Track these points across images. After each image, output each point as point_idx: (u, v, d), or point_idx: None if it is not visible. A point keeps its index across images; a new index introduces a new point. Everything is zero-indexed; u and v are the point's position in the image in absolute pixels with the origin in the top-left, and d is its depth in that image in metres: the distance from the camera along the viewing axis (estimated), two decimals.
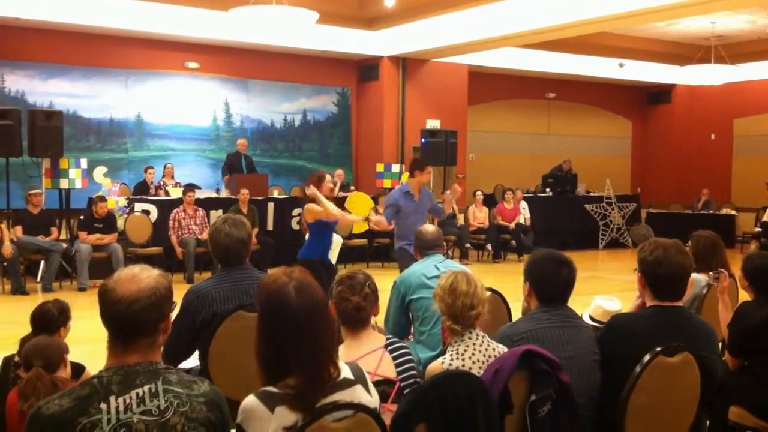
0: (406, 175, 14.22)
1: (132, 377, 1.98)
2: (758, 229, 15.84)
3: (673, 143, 19.25)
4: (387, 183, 14.35)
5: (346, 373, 2.28)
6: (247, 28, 12.23)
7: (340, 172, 14.35)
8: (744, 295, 4.12)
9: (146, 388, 1.97)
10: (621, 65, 17.26)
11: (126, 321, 2.00)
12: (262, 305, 2.25)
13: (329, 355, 2.21)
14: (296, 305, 2.17)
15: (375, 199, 13.35)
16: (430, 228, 4.58)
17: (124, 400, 1.94)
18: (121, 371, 1.98)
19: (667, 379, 2.96)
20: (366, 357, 2.82)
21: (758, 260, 4.02)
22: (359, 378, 2.31)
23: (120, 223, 10.86)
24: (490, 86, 17.10)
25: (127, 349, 2.02)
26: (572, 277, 3.21)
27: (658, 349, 2.92)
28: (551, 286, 3.18)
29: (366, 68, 15.52)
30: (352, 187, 14.39)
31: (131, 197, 11.87)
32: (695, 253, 4.76)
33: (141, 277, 2.06)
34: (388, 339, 3.03)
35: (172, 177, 12.89)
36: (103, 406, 1.92)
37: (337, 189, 13.86)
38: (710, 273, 4.50)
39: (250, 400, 2.15)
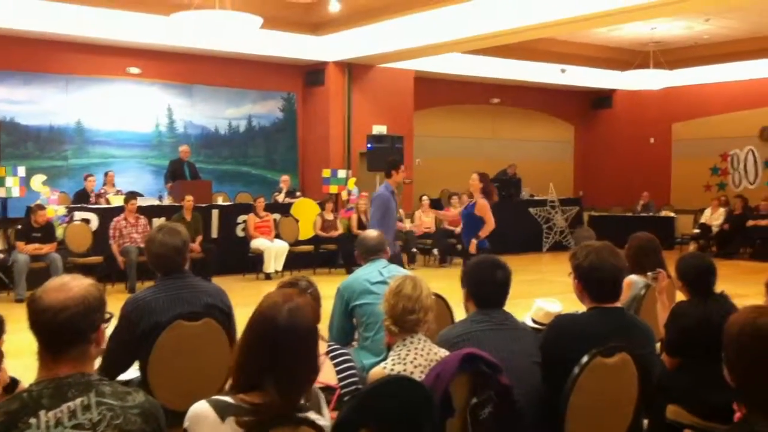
0: (352, 181, 14.26)
1: (63, 390, 1.93)
2: (696, 231, 16.28)
3: (614, 147, 19.63)
4: (333, 189, 14.33)
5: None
6: (189, 33, 12.09)
7: (285, 178, 14.28)
8: (682, 296, 4.20)
9: (78, 401, 1.92)
10: (563, 71, 17.56)
11: (54, 330, 1.96)
12: (253, 317, 2.22)
13: (304, 386, 2.19)
14: (282, 327, 2.15)
15: (321, 205, 13.32)
16: (372, 233, 4.58)
17: (55, 414, 1.89)
18: (52, 384, 1.93)
19: (606, 379, 3.01)
20: None
21: (692, 260, 4.11)
22: (313, 402, 2.28)
23: (59, 232, 10.63)
24: (436, 92, 17.22)
25: (57, 360, 1.97)
26: (507, 280, 3.27)
27: (596, 350, 2.96)
28: (487, 289, 3.23)
29: (312, 73, 15.48)
30: (298, 193, 14.31)
31: (71, 206, 11.61)
32: (633, 255, 4.86)
33: (70, 285, 2.01)
34: (329, 346, 3.03)
35: (114, 185, 12.64)
36: (33, 420, 1.86)
37: (282, 195, 13.81)
38: (648, 273, 4.59)
39: (202, 406, 2.11)
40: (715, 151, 18.13)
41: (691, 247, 15.47)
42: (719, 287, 4.03)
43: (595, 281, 3.23)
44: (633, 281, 4.80)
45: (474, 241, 7.47)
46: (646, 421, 3.67)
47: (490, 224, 7.60)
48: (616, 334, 3.12)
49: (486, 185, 7.74)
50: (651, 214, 17.17)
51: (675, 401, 3.83)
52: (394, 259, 6.85)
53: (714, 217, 16.01)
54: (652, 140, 19.37)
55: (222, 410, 2.08)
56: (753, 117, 17.35)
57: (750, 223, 15.49)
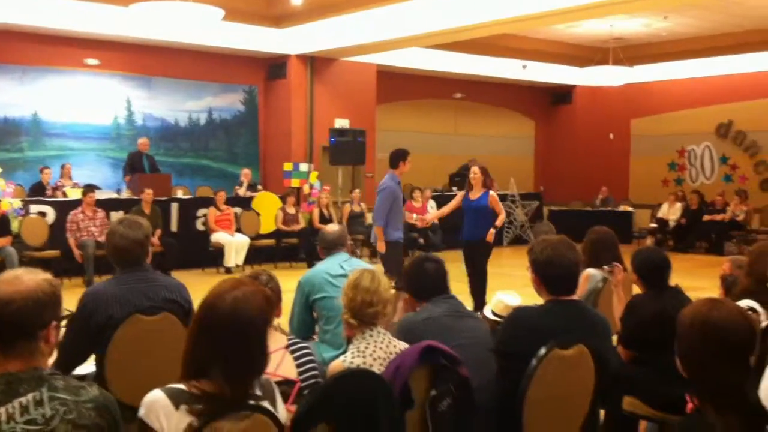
0: (314, 174, 14.21)
1: (15, 386, 1.89)
2: (654, 225, 16.55)
3: (574, 143, 19.84)
4: (295, 182, 14.26)
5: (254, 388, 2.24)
6: (149, 24, 11.94)
7: (247, 171, 14.18)
8: (638, 290, 4.26)
9: (30, 396, 1.89)
10: (524, 67, 17.69)
11: (2, 322, 1.93)
12: (201, 306, 2.22)
13: (255, 372, 2.19)
14: (224, 315, 2.15)
15: (283, 199, 13.26)
16: (333, 227, 4.60)
17: (7, 410, 1.86)
18: (3, 380, 1.90)
19: (563, 371, 3.04)
20: None
21: (647, 254, 4.17)
22: (267, 394, 2.27)
23: (15, 225, 10.43)
24: (399, 86, 17.23)
25: (7, 355, 1.94)
26: (441, 270, 3.45)
27: (553, 342, 3.00)
28: (424, 282, 3.40)
29: (274, 67, 15.38)
30: (260, 187, 14.23)
31: (26, 198, 11.40)
32: (591, 249, 4.93)
33: (22, 279, 1.98)
34: (290, 339, 3.02)
35: (71, 177, 12.43)
36: None
37: (244, 189, 13.72)
38: (605, 267, 4.65)
39: (156, 394, 2.11)
40: (672, 147, 18.43)
41: (649, 241, 15.71)
42: (676, 281, 4.10)
43: (551, 275, 3.27)
44: (590, 274, 4.86)
45: (492, 231, 7.77)
46: (603, 412, 3.73)
47: (503, 213, 8.03)
48: (573, 326, 3.17)
49: (486, 177, 7.96)
50: (610, 208, 17.40)
51: (631, 393, 3.89)
52: (401, 247, 7.15)
53: (671, 212, 16.28)
54: (611, 136, 19.61)
55: (176, 398, 2.09)
56: (710, 114, 17.67)
57: (706, 217, 15.78)
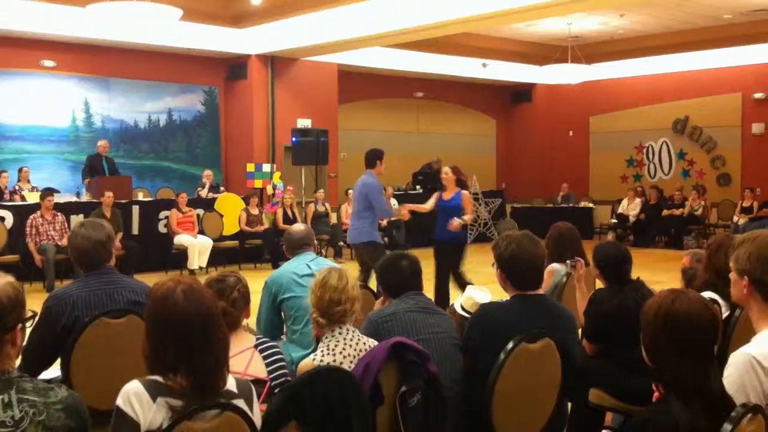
0: (277, 175, 14.15)
1: None
2: (614, 221, 16.79)
3: (534, 140, 20.04)
4: (258, 183, 14.19)
5: (230, 385, 2.26)
6: (106, 24, 11.77)
7: (208, 172, 14.07)
8: (600, 284, 4.33)
9: None
10: (484, 65, 17.81)
11: None
12: (150, 309, 2.23)
13: (220, 361, 2.20)
14: (183, 307, 2.17)
15: (246, 200, 13.18)
16: (299, 227, 4.58)
17: None
18: None
19: (530, 365, 3.09)
20: (235, 357, 2.78)
21: (607, 249, 4.24)
22: (244, 393, 2.28)
23: None
24: (360, 85, 17.23)
25: None
26: (415, 268, 3.49)
27: (520, 336, 3.04)
28: (397, 278, 3.45)
29: (234, 67, 15.28)
30: (222, 188, 14.14)
31: None
32: (553, 244, 4.99)
33: None
34: (258, 339, 3.01)
35: (29, 181, 12.21)
36: None
37: (206, 190, 13.61)
38: (568, 262, 4.72)
39: (134, 385, 2.13)
40: (631, 144, 18.69)
41: (609, 236, 15.94)
42: (637, 275, 4.17)
43: (516, 270, 3.31)
44: (554, 269, 4.93)
45: (457, 221, 7.52)
46: (570, 405, 3.78)
47: (472, 214, 8.14)
48: (538, 320, 3.21)
49: (459, 176, 7.94)
50: (570, 205, 17.60)
51: (597, 385, 3.95)
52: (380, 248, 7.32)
53: (630, 208, 16.53)
54: (570, 133, 19.83)
55: (153, 390, 2.11)
56: (667, 110, 17.96)
57: (665, 212, 16.06)
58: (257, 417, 2.31)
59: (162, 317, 2.18)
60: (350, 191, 14.59)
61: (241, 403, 2.23)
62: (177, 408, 2.09)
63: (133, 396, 2.11)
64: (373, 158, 7.61)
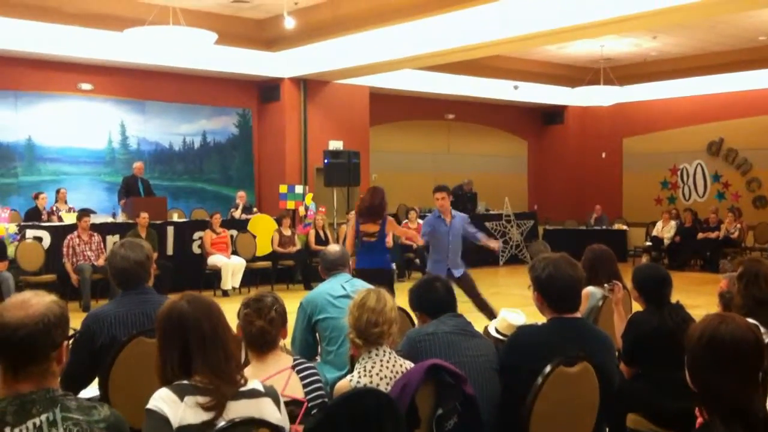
0: (310, 196, 14.23)
1: (28, 407, 1.91)
2: (648, 243, 16.60)
3: (566, 162, 19.94)
4: (290, 204, 14.27)
5: (255, 384, 2.37)
6: (142, 48, 11.98)
7: (242, 193, 14.20)
8: (638, 307, 4.28)
9: (44, 417, 1.90)
10: (515, 87, 17.81)
11: (12, 347, 1.95)
12: (159, 322, 2.37)
13: (231, 355, 2.34)
14: (189, 310, 2.32)
15: (278, 221, 13.26)
16: (334, 248, 4.60)
17: (20, 431, 1.87)
18: (16, 401, 1.91)
19: (568, 388, 3.06)
20: (272, 378, 2.80)
21: (647, 271, 4.20)
22: (271, 393, 2.38)
23: (10, 250, 10.40)
24: (391, 107, 17.31)
25: (18, 377, 1.96)
26: (449, 287, 3.52)
27: (558, 359, 3.01)
28: (433, 300, 3.46)
29: (267, 89, 15.45)
30: (255, 209, 14.24)
31: (22, 223, 11.37)
32: (589, 267, 4.94)
33: (31, 303, 2.01)
34: (295, 360, 3.02)
35: (66, 202, 12.42)
36: None
37: (239, 211, 13.72)
38: (605, 285, 4.67)
39: (161, 389, 2.24)
40: (664, 165, 18.54)
41: (644, 259, 15.76)
42: (673, 298, 4.12)
43: (554, 292, 3.28)
44: (590, 292, 4.88)
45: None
46: (607, 430, 3.73)
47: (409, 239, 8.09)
48: (576, 343, 3.18)
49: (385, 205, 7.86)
50: (604, 227, 17.45)
51: (634, 409, 3.89)
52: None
53: (665, 230, 16.34)
54: (603, 155, 19.72)
55: (180, 391, 2.22)
56: (701, 132, 17.80)
57: (700, 235, 15.85)
58: (285, 417, 2.42)
59: (167, 322, 2.33)
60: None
61: (266, 401, 2.35)
62: (205, 405, 2.20)
63: (159, 398, 2.22)
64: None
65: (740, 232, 15.61)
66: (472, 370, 3.06)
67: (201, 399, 2.20)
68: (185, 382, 2.25)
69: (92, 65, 13.49)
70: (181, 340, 2.29)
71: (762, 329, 3.62)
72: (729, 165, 17.54)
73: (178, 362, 2.28)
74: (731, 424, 2.06)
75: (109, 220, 12.04)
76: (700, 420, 2.18)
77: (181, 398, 2.20)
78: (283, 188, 14.43)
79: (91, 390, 3.54)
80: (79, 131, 13.67)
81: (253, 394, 2.33)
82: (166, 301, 2.48)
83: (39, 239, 10.96)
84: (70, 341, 2.19)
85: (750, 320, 3.61)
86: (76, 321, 3.52)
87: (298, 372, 2.91)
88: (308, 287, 11.83)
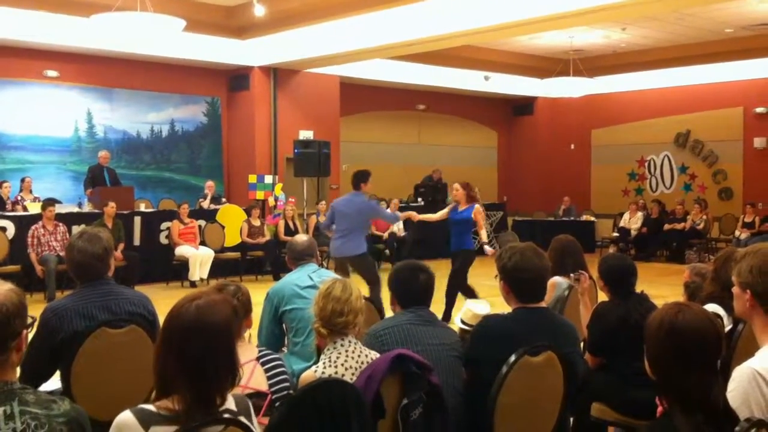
0: (279, 186, 14.15)
1: None
2: (616, 234, 16.77)
3: (536, 153, 20.05)
4: (260, 194, 14.18)
5: (229, 404, 2.18)
6: (109, 35, 11.79)
7: (210, 183, 14.08)
8: (603, 297, 4.32)
9: (0, 410, 1.87)
10: (486, 78, 17.84)
11: None
12: (166, 318, 2.17)
13: (218, 385, 2.11)
14: (188, 323, 2.10)
15: (248, 212, 13.17)
16: (301, 237, 4.57)
17: None
18: None
19: (533, 377, 3.07)
20: None
21: (612, 261, 4.23)
22: (243, 410, 2.22)
23: None
24: (362, 97, 17.26)
25: None
26: (431, 282, 3.42)
27: (523, 349, 3.02)
28: (411, 291, 3.37)
29: (236, 78, 15.32)
30: (224, 199, 14.13)
31: None
32: (555, 257, 4.97)
33: None
34: (260, 351, 3.00)
35: (31, 191, 12.23)
36: None
37: (207, 201, 13.61)
38: (571, 275, 4.70)
39: (126, 416, 2.06)
40: (632, 157, 18.71)
41: (611, 250, 15.90)
42: (639, 288, 4.16)
43: (520, 281, 3.30)
44: (557, 282, 4.91)
45: (488, 249, 8.50)
46: (572, 419, 3.76)
47: (483, 229, 8.62)
48: (541, 333, 3.19)
49: (468, 192, 8.41)
50: (572, 218, 17.58)
51: (599, 399, 3.93)
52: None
53: (632, 221, 16.52)
54: (572, 146, 19.85)
55: (146, 420, 2.04)
56: (668, 124, 17.98)
57: (666, 226, 16.03)
58: (256, 430, 2.26)
59: (170, 332, 2.13)
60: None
61: (241, 419, 2.17)
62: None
63: (123, 428, 2.05)
64: (358, 180, 8.05)
65: (706, 223, 15.81)
66: (433, 359, 3.06)
67: (168, 429, 2.04)
68: (153, 409, 2.06)
69: (58, 52, 13.26)
70: (173, 346, 2.10)
71: (725, 316, 3.67)
72: (695, 157, 17.75)
73: (165, 366, 2.09)
74: (690, 413, 2.08)
75: (75, 210, 11.87)
76: (660, 409, 2.20)
77: (146, 429, 2.03)
78: (252, 178, 14.34)
79: (53, 383, 3.49)
80: (44, 119, 13.44)
81: (228, 414, 2.15)
82: (180, 300, 2.20)
83: (3, 229, 10.79)
84: (29, 330, 2.13)
85: (715, 306, 3.68)
86: (38, 312, 3.47)
87: (263, 364, 2.89)
88: (277, 278, 11.76)
